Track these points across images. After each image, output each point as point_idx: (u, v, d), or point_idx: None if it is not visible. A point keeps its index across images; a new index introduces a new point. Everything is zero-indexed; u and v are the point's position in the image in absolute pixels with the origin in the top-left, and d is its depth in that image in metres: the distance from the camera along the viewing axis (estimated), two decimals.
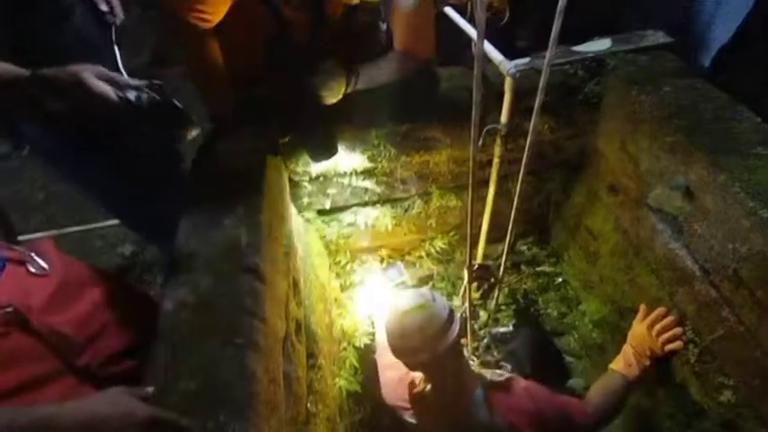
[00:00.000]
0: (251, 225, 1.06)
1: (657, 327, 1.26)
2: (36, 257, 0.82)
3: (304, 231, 1.70)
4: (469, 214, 1.20)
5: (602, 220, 1.61)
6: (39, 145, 1.43)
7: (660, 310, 1.28)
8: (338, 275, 1.99)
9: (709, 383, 1.22)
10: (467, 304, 1.38)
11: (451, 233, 2.00)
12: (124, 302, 1.01)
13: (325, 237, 1.86)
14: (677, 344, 1.25)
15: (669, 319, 1.26)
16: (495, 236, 2.05)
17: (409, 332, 1.12)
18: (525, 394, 1.17)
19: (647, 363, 1.26)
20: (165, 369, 0.81)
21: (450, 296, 2.19)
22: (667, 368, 1.35)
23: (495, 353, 1.42)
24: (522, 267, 2.12)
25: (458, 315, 1.45)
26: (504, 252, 1.31)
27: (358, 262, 2.03)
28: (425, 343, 1.10)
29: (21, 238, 0.96)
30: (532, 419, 1.11)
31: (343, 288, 1.97)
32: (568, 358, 2.22)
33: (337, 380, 1.54)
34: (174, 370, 0.81)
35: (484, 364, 1.36)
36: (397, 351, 1.19)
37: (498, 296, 1.39)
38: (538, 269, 2.07)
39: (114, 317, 0.94)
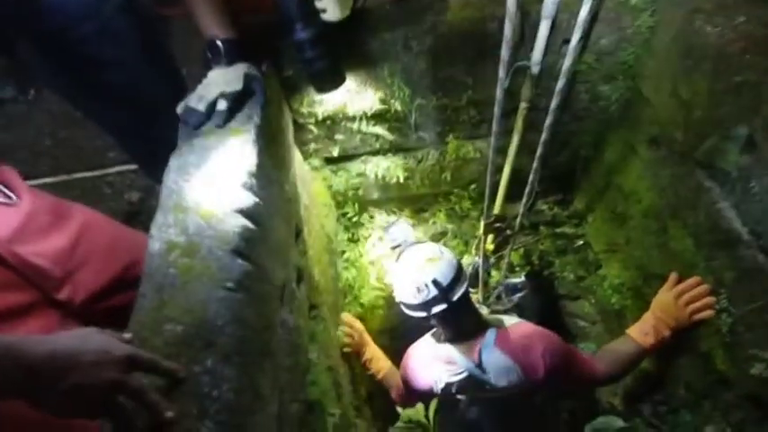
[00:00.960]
0: (246, 164, 0.96)
1: (687, 296, 1.18)
2: (1, 187, 0.75)
3: (310, 179, 1.60)
4: (491, 159, 1.09)
5: (636, 178, 1.46)
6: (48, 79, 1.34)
7: (693, 280, 1.18)
8: (346, 229, 1.92)
9: (740, 355, 1.12)
10: (480, 255, 1.32)
11: (468, 188, 1.87)
12: (113, 240, 0.95)
13: (332, 187, 1.77)
14: (707, 313, 1.16)
15: (703, 287, 1.16)
16: (516, 193, 1.93)
17: (421, 287, 1.15)
18: (535, 337, 1.19)
19: (667, 333, 1.21)
20: (151, 311, 0.75)
21: (461, 254, 2.10)
22: (690, 336, 1.27)
23: (506, 301, 1.38)
24: (541, 228, 2.01)
25: (468, 269, 1.42)
26: (524, 202, 1.20)
27: (366, 216, 1.94)
28: (436, 296, 1.14)
29: (28, 183, 0.88)
30: (540, 360, 1.14)
31: (350, 241, 1.90)
32: (581, 322, 2.16)
33: (339, 332, 1.50)
34: (160, 312, 0.75)
35: (494, 313, 1.34)
36: (411, 306, 1.23)
37: (512, 247, 1.32)
38: (557, 230, 1.95)
39: (100, 253, 0.89)
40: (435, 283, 1.14)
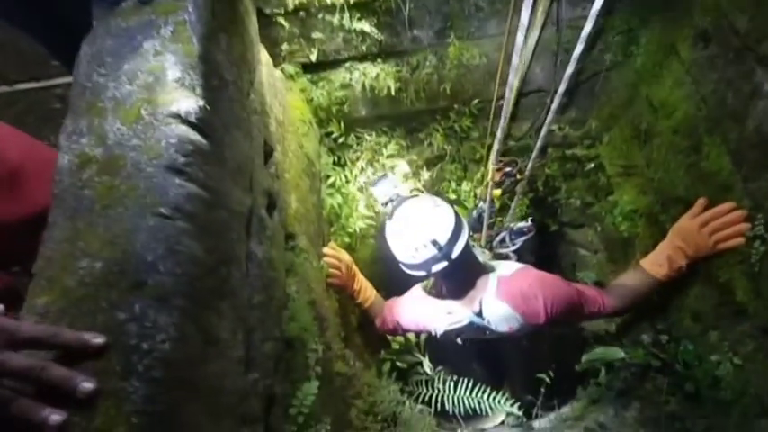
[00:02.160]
0: (184, 54, 0.72)
1: (715, 223, 1.07)
2: None
3: (284, 90, 1.35)
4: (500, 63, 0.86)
5: (670, 87, 1.23)
6: None
7: (725, 206, 1.06)
8: (331, 151, 1.71)
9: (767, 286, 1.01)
10: (488, 199, 1.23)
11: (470, 104, 1.63)
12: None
13: (312, 101, 1.52)
14: (736, 241, 1.05)
15: (736, 214, 1.04)
16: (525, 110, 1.70)
17: (419, 246, 1.11)
18: (537, 284, 1.14)
19: (683, 264, 1.14)
20: (62, 243, 0.58)
21: (459, 181, 1.93)
22: (707, 266, 1.16)
23: (510, 245, 1.32)
24: (549, 151, 1.81)
25: (473, 213, 1.35)
26: (545, 122, 1.00)
27: (353, 137, 1.72)
28: (435, 256, 1.09)
29: None
30: (542, 308, 1.11)
31: (336, 165, 1.70)
32: (582, 251, 2.06)
33: (324, 263, 1.37)
34: (74, 245, 0.58)
35: (497, 257, 1.29)
36: (409, 266, 1.19)
37: (521, 193, 1.20)
38: (568, 152, 1.76)
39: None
40: (434, 243, 1.08)
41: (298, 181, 1.28)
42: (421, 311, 1.33)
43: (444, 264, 1.12)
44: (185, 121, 0.68)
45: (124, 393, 0.48)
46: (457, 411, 1.57)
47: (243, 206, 0.85)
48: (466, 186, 1.90)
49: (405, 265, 1.19)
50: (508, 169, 1.36)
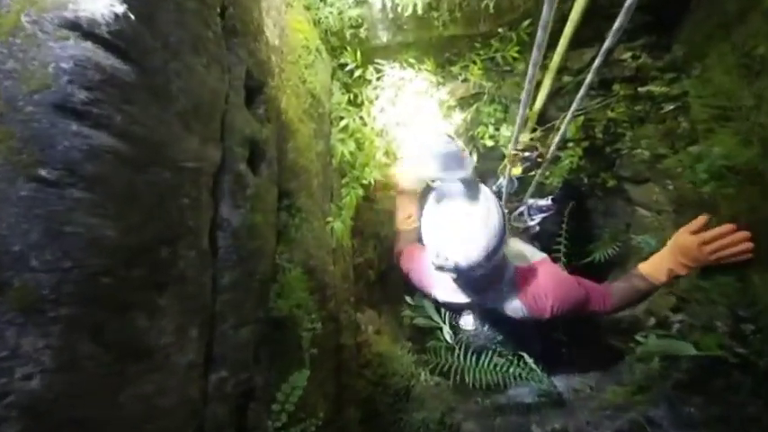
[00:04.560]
0: None
1: (715, 245, 1.03)
2: None
3: (282, 4, 1.07)
4: None
5: None
6: None
7: (724, 228, 1.03)
8: (345, 87, 1.44)
9: None
10: (506, 176, 1.15)
11: (519, 27, 1.29)
12: None
13: (320, 22, 1.23)
14: (741, 257, 1.01)
15: (738, 235, 1.00)
16: (587, 33, 1.34)
17: (445, 259, 0.99)
18: (550, 282, 1.15)
19: (684, 272, 1.11)
20: None
21: (498, 124, 1.63)
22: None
23: (529, 220, 1.25)
24: (615, 87, 1.44)
25: (492, 188, 1.26)
26: (604, 47, 0.72)
27: (372, 70, 1.43)
28: (459, 269, 1.00)
29: None
30: (548, 308, 1.13)
31: (351, 105, 1.43)
32: (641, 211, 1.76)
33: (331, 221, 1.18)
34: None
35: (514, 230, 1.23)
36: (435, 266, 1.06)
37: (541, 172, 1.15)
38: (641, 89, 1.39)
39: None
40: (457, 267, 0.98)
41: (297, 125, 1.05)
42: (428, 277, 1.27)
43: (469, 275, 1.05)
44: (89, 34, 0.46)
45: None
46: (477, 385, 1.44)
47: (204, 161, 0.64)
48: (506, 131, 1.60)
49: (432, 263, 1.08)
50: (527, 154, 1.23)
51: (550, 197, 1.28)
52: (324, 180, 1.20)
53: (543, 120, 1.63)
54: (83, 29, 0.46)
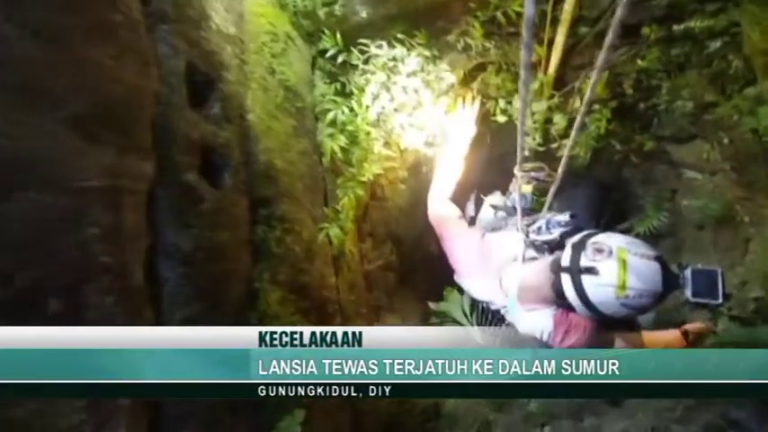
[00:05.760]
0: None
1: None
2: None
3: None
4: None
5: None
6: None
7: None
8: (329, 76, 1.28)
9: None
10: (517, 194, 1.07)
11: None
12: None
13: (288, 4, 1.08)
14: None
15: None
16: None
17: None
18: (572, 333, 1.04)
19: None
20: None
21: (509, 96, 1.44)
22: None
23: (547, 234, 1.14)
24: (644, 31, 1.22)
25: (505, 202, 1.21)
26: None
27: (357, 52, 1.26)
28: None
29: None
30: (563, 346, 1.04)
31: (338, 94, 1.28)
32: (689, 173, 1.52)
33: (327, 227, 1.03)
34: None
35: (533, 244, 1.13)
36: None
37: (554, 193, 1.00)
38: (676, 27, 1.16)
39: None
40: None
41: (269, 122, 0.91)
42: (467, 256, 1.11)
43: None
44: None
45: None
46: None
47: (124, 178, 0.50)
48: (519, 103, 1.40)
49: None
50: (533, 175, 1.17)
51: (569, 213, 1.17)
52: (312, 182, 1.06)
53: (560, 83, 1.42)
54: None
